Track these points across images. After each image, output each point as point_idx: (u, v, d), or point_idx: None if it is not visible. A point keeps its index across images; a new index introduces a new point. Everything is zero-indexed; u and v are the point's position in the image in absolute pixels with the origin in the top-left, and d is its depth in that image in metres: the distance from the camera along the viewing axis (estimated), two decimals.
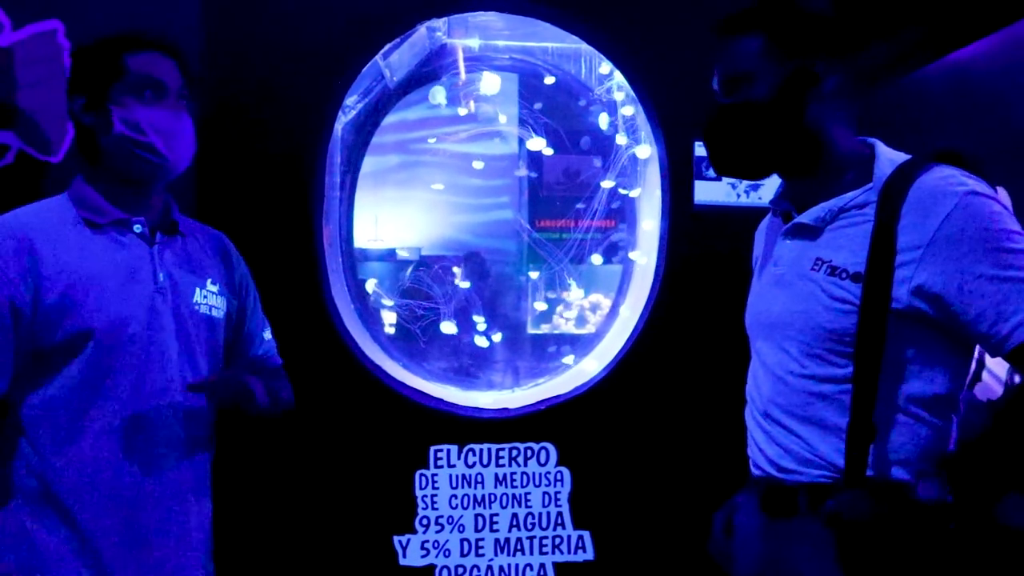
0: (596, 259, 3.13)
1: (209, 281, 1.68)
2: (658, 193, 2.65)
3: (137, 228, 1.58)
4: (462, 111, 3.12)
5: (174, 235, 1.66)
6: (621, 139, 2.90)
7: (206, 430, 1.67)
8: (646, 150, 2.77)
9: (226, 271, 1.77)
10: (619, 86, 2.83)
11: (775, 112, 1.44)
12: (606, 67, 2.85)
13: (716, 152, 1.55)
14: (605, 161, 2.99)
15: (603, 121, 2.96)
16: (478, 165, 3.48)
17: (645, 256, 2.80)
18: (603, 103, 2.95)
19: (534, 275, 3.42)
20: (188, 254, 1.67)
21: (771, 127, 1.45)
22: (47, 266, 1.47)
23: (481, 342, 3.15)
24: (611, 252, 3.17)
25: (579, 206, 3.12)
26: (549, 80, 2.99)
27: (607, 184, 2.98)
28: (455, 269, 3.43)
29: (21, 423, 1.49)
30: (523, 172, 3.48)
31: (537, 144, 3.09)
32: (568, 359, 2.93)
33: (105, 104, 1.54)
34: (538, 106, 3.13)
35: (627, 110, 2.86)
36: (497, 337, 3.20)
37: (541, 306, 3.43)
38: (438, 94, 2.93)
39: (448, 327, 3.04)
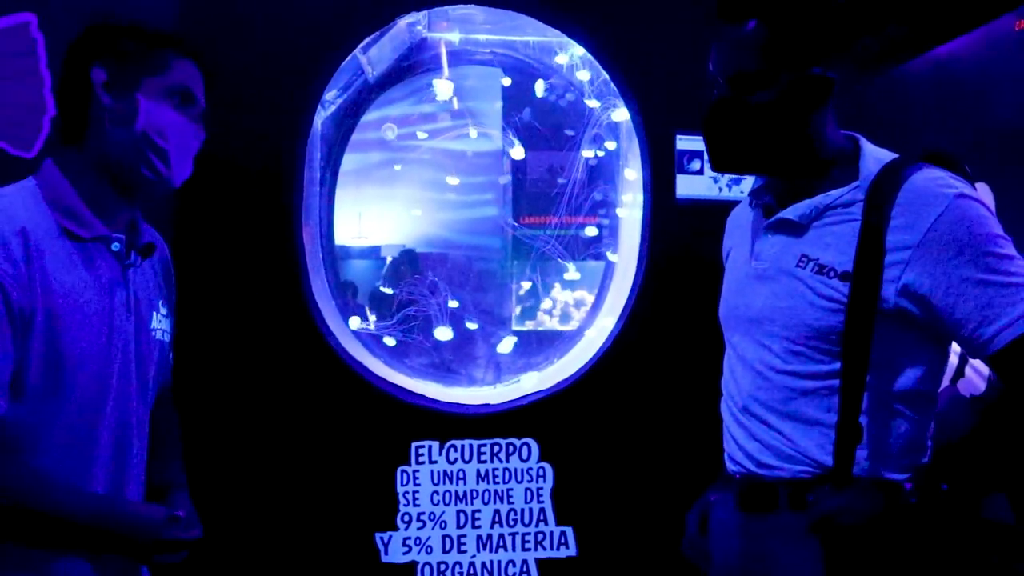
0: (591, 231, 3.10)
1: (160, 303, 1.57)
2: (636, 146, 2.65)
3: (115, 247, 1.43)
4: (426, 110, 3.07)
5: (147, 258, 1.53)
6: (592, 103, 2.88)
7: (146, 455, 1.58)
8: (622, 113, 2.75)
9: (168, 289, 1.65)
10: (583, 59, 2.83)
11: (784, 117, 1.42)
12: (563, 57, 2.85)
13: (717, 148, 1.50)
14: (578, 131, 2.98)
15: (538, 87, 2.94)
16: (452, 179, 3.46)
17: (629, 210, 2.81)
18: (559, 72, 2.94)
19: (527, 284, 3.40)
20: (147, 275, 1.55)
21: (778, 131, 1.43)
22: (38, 280, 1.31)
23: (504, 347, 3.11)
24: (596, 210, 3.15)
25: (560, 180, 3.11)
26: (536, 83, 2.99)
27: (587, 153, 2.97)
28: (388, 260, 3.42)
29: None
30: (507, 179, 3.47)
31: (520, 153, 3.08)
32: (591, 331, 2.90)
33: (133, 92, 1.39)
34: (503, 104, 3.12)
35: (583, 75, 2.86)
36: (513, 340, 3.16)
37: (547, 303, 3.40)
38: (444, 87, 2.88)
39: (443, 333, 3.01)
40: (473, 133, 3.22)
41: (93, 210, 1.41)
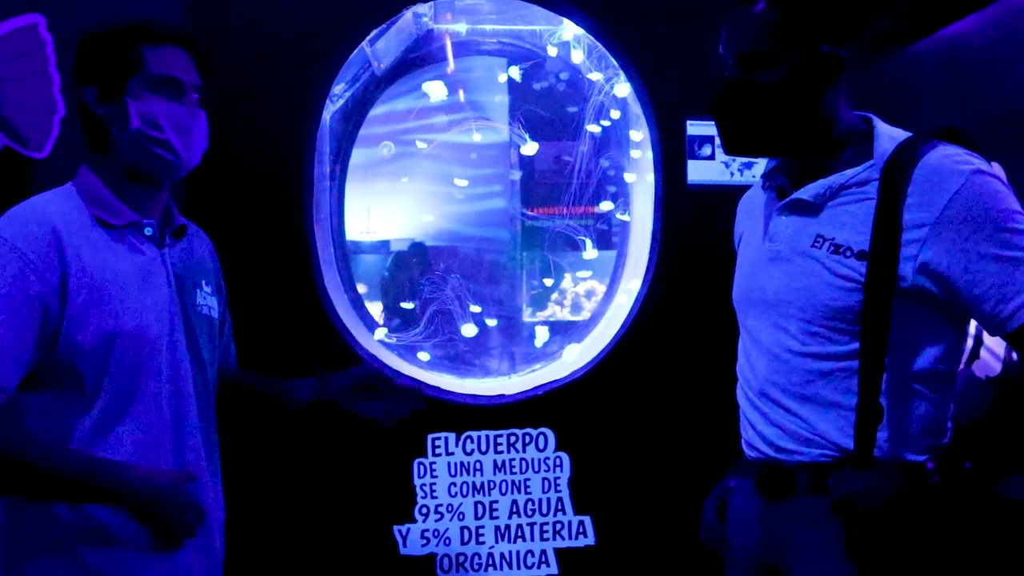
0: (606, 205, 3.07)
1: (204, 282, 1.68)
2: (640, 111, 2.66)
3: (148, 231, 1.56)
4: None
5: (181, 239, 1.65)
6: (594, 76, 2.86)
7: (216, 431, 1.69)
8: (624, 87, 2.74)
9: (215, 273, 1.77)
10: (577, 39, 2.81)
11: (794, 97, 1.42)
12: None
13: (728, 130, 1.50)
14: (582, 107, 2.96)
15: (512, 72, 2.93)
16: (461, 181, 3.45)
17: (636, 175, 2.83)
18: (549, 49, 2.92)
19: (548, 282, 3.39)
20: (187, 255, 1.66)
21: (789, 111, 1.42)
22: (74, 266, 1.43)
23: (540, 339, 3.09)
24: (604, 189, 3.13)
25: (566, 159, 3.10)
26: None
27: (592, 128, 2.95)
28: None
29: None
30: (518, 175, 3.46)
31: (533, 149, 3.06)
32: (605, 319, 2.87)
33: (121, 96, 1.50)
34: (509, 94, 3.10)
35: (578, 55, 2.84)
36: (546, 329, 3.14)
37: (580, 288, 3.35)
38: (436, 89, 2.87)
39: (468, 330, 2.99)
40: (477, 136, 3.21)
41: (123, 201, 1.54)
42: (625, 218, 2.94)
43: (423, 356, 2.87)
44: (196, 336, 1.60)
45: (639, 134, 2.75)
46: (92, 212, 1.50)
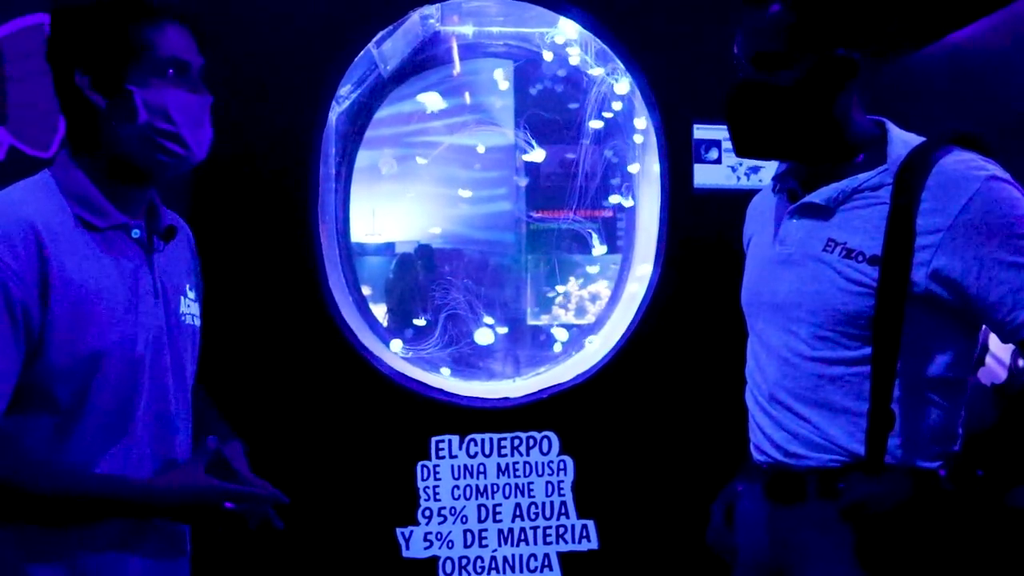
0: (615, 199, 3.06)
1: (187, 287, 1.52)
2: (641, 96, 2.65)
3: (135, 234, 1.38)
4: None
5: (169, 241, 1.47)
6: (595, 71, 2.86)
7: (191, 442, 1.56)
8: (624, 85, 2.73)
9: (196, 273, 1.61)
10: (583, 41, 2.81)
11: (808, 99, 1.41)
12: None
13: (740, 131, 1.49)
14: (582, 101, 2.95)
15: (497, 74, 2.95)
16: (465, 192, 3.45)
17: (640, 167, 2.83)
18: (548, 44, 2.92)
19: (561, 288, 3.39)
20: (174, 259, 1.50)
21: (802, 113, 1.41)
22: (55, 274, 1.27)
23: (560, 335, 3.09)
24: (609, 185, 3.13)
25: (569, 156, 3.09)
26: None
27: (595, 124, 2.95)
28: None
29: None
30: (523, 182, 3.47)
31: (539, 156, 3.05)
32: (610, 323, 2.88)
33: (123, 85, 1.31)
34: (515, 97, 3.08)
35: (574, 54, 2.83)
36: (563, 335, 3.12)
37: (585, 291, 3.34)
38: (434, 99, 2.87)
39: (483, 336, 2.98)
40: (481, 148, 3.21)
41: (110, 199, 1.37)
42: (629, 203, 2.93)
43: (445, 371, 2.85)
44: (180, 352, 1.46)
45: (643, 121, 2.75)
46: (74, 211, 1.32)
